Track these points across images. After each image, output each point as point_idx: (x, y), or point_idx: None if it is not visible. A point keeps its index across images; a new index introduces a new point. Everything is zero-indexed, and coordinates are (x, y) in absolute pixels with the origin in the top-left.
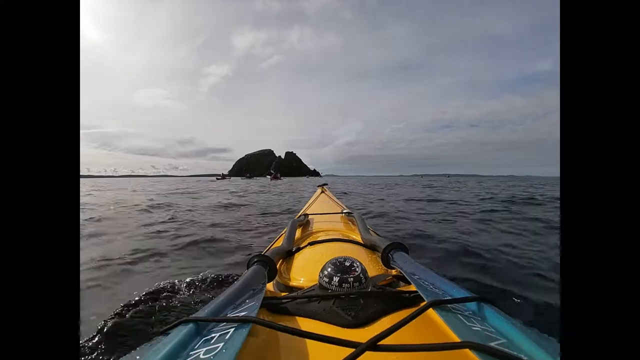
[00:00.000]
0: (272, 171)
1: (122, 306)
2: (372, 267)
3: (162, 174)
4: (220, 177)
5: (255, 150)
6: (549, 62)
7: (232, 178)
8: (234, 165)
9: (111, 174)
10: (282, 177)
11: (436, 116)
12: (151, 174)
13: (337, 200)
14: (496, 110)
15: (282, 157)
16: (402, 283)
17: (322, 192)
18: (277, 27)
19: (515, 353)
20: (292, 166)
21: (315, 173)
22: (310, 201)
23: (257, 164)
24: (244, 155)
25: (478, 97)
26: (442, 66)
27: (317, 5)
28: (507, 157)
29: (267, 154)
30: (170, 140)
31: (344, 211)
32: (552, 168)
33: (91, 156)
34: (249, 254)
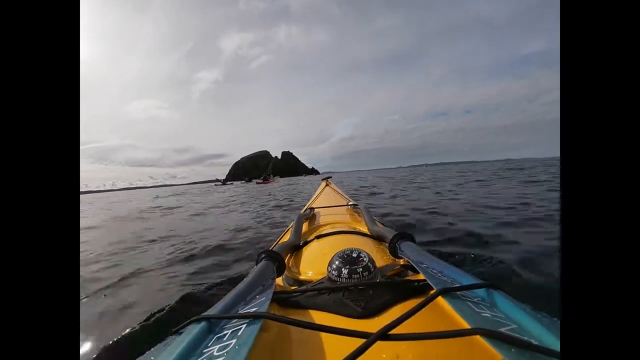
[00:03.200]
0: (267, 174)
1: None
2: (380, 257)
3: (160, 184)
4: (220, 183)
5: (251, 153)
6: (541, 43)
7: (234, 183)
8: (230, 170)
9: (110, 188)
10: (273, 179)
11: (431, 105)
12: (150, 185)
13: (342, 193)
14: (491, 94)
15: (279, 157)
16: (410, 272)
17: (327, 185)
18: (263, 26)
19: (525, 338)
20: (289, 165)
21: (313, 171)
22: (315, 195)
23: (254, 166)
24: (239, 159)
25: (472, 83)
26: (435, 55)
27: (302, 1)
28: (503, 141)
29: (264, 155)
30: (167, 149)
31: (350, 203)
32: (547, 149)
33: (88, 172)
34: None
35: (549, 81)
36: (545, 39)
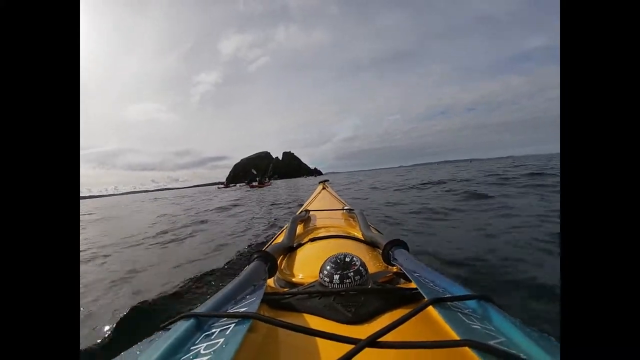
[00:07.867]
0: (263, 177)
1: None
2: (373, 263)
3: (162, 187)
4: (222, 186)
5: (251, 154)
6: (542, 39)
7: (237, 185)
8: (230, 172)
9: (113, 192)
10: (269, 182)
11: (432, 103)
12: (152, 189)
13: (338, 197)
14: (492, 92)
15: (280, 158)
16: (402, 280)
17: (324, 188)
18: (262, 27)
19: (514, 352)
20: (290, 166)
21: (316, 172)
22: (311, 197)
23: (255, 168)
24: (239, 160)
25: (473, 80)
26: (435, 53)
27: (300, 1)
28: (506, 138)
29: (264, 156)
30: (168, 153)
31: (345, 208)
32: (549, 145)
33: (90, 177)
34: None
35: (550, 77)
36: (546, 34)
